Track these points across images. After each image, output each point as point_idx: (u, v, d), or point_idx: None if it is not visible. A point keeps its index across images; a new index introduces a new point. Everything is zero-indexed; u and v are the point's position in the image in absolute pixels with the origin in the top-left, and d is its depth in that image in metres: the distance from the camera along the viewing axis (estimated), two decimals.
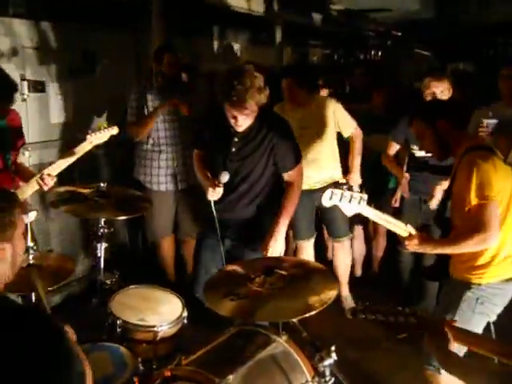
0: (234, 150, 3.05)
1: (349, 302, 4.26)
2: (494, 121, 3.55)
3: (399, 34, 9.04)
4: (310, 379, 2.39)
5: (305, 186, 3.87)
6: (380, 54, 10.22)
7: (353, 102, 4.80)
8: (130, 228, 4.80)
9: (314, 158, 3.92)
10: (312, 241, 4.23)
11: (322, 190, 3.81)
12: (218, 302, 2.25)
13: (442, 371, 2.50)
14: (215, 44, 6.19)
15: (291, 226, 4.05)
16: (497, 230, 2.41)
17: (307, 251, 4.21)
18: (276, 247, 2.97)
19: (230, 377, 2.29)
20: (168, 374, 2.35)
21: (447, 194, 2.72)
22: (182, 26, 5.27)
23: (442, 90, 3.77)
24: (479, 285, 2.52)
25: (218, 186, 2.92)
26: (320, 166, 3.96)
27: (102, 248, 2.89)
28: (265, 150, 3.02)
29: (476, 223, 2.40)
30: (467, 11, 5.79)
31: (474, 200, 2.42)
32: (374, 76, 5.23)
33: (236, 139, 3.05)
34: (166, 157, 4.12)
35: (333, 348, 2.05)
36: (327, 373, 2.07)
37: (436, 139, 2.61)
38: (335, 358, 2.06)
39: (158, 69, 4.10)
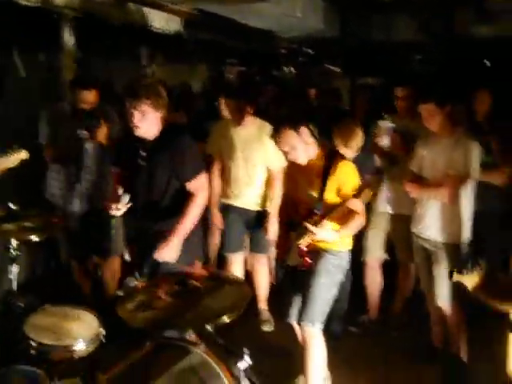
0: (140, 163, 3.18)
1: (264, 314, 4.39)
2: (390, 125, 3.83)
3: (310, 51, 9.39)
4: None
5: (238, 203, 4.18)
6: (293, 70, 10.56)
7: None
8: (45, 249, 4.70)
9: (250, 179, 4.10)
10: (240, 255, 4.36)
11: (253, 212, 4.12)
12: (130, 313, 2.28)
13: (316, 323, 3.10)
14: (129, 63, 6.21)
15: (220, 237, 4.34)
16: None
17: (235, 264, 4.33)
18: (167, 253, 3.10)
19: None
20: None
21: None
22: (96, 46, 5.26)
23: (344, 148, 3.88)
24: (339, 252, 3.17)
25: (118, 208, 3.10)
26: (254, 187, 4.12)
27: (13, 270, 2.84)
28: (167, 162, 3.16)
29: (357, 210, 3.04)
30: (369, 31, 6.16)
31: (351, 193, 3.00)
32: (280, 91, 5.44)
33: (142, 152, 3.19)
34: (76, 179, 4.08)
35: (246, 352, 2.13)
36: (241, 376, 2.15)
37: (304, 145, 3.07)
38: (249, 362, 2.14)
39: (72, 99, 4.06)
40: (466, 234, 3.56)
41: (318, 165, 3.12)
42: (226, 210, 4.25)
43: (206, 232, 4.55)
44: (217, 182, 4.22)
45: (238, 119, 4.05)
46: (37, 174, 4.28)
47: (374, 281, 4.30)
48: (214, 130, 4.27)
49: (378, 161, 4.12)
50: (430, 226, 3.61)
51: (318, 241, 3.08)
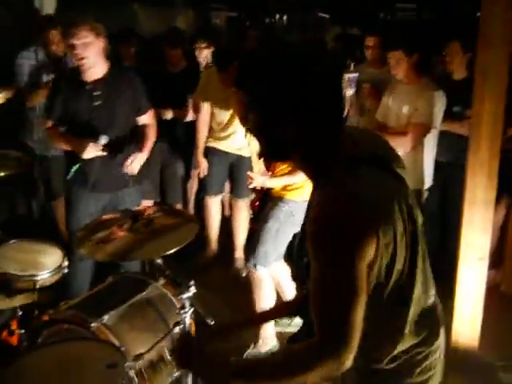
0: (96, 103, 3.19)
1: (239, 263, 4.44)
2: (354, 74, 3.90)
3: None
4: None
5: (222, 146, 4.26)
6: (285, 17, 10.43)
7: None
8: (24, 190, 4.82)
9: (236, 124, 4.11)
10: (218, 198, 4.50)
11: (235, 155, 4.23)
12: (90, 249, 2.41)
13: (258, 266, 3.16)
14: (111, 5, 6.14)
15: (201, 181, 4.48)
16: None
17: (213, 207, 4.48)
18: (133, 166, 3.23)
19: (105, 317, 2.49)
20: (46, 318, 2.53)
21: None
22: None
23: None
24: (294, 202, 3.13)
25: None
26: (239, 132, 4.16)
27: None
28: (127, 97, 3.27)
29: None
30: None
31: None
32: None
33: (95, 93, 3.19)
34: None
35: (191, 283, 2.27)
36: (187, 304, 2.29)
37: None
38: (194, 291, 2.28)
39: (46, 41, 4.05)
40: (428, 181, 3.69)
41: None
42: (210, 152, 4.34)
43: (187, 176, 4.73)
44: (205, 129, 4.30)
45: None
46: (17, 117, 4.35)
47: None
48: (202, 78, 4.27)
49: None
50: None
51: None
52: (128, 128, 3.32)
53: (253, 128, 1.39)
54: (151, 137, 3.41)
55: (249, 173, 3.09)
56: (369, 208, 1.27)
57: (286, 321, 3.64)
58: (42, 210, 4.88)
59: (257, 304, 3.30)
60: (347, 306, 1.26)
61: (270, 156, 1.48)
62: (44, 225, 4.68)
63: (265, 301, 3.29)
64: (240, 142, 4.20)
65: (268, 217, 3.20)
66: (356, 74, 3.92)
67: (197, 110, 4.30)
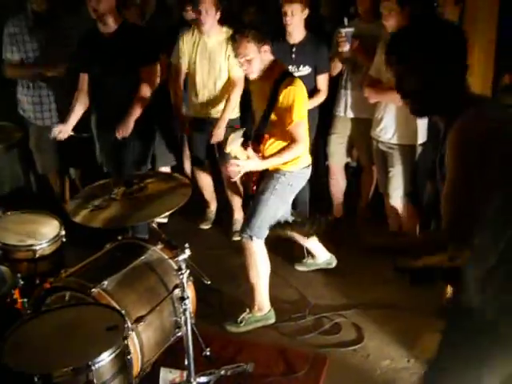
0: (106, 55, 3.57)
1: (237, 225, 4.39)
2: (350, 29, 3.81)
3: None
4: None
5: (203, 114, 4.21)
6: None
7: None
8: (22, 162, 4.82)
9: (215, 87, 4.11)
10: (205, 167, 4.52)
11: (213, 118, 4.15)
12: (84, 216, 2.43)
13: (254, 238, 3.17)
14: None
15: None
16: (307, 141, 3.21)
17: (203, 175, 4.54)
18: (124, 129, 3.59)
19: (105, 282, 2.54)
20: (48, 285, 2.58)
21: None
22: None
23: (292, 11, 3.91)
24: (290, 172, 3.20)
25: None
26: (218, 95, 4.14)
27: None
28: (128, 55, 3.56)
29: (294, 137, 3.08)
30: None
31: (296, 119, 3.05)
32: None
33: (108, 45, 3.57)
34: (47, 92, 4.10)
35: (187, 245, 2.31)
36: (183, 266, 2.34)
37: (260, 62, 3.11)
38: (189, 253, 2.32)
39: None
40: (421, 136, 3.68)
41: (268, 87, 3.12)
42: (191, 123, 4.30)
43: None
44: (181, 90, 4.27)
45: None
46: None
47: (338, 184, 4.45)
48: (182, 40, 4.16)
49: (339, 67, 4.15)
50: (387, 129, 3.72)
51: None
52: (131, 80, 3.59)
53: (413, 89, 1.76)
54: (142, 93, 3.61)
55: (235, 161, 3.04)
56: (496, 133, 1.61)
57: (311, 261, 3.86)
58: (39, 181, 4.87)
59: (249, 274, 3.29)
60: (465, 208, 1.58)
61: (422, 111, 1.91)
62: (41, 196, 4.70)
63: (258, 272, 3.29)
64: (219, 104, 4.13)
65: (264, 188, 3.20)
66: (352, 29, 3.83)
67: (173, 73, 4.25)
